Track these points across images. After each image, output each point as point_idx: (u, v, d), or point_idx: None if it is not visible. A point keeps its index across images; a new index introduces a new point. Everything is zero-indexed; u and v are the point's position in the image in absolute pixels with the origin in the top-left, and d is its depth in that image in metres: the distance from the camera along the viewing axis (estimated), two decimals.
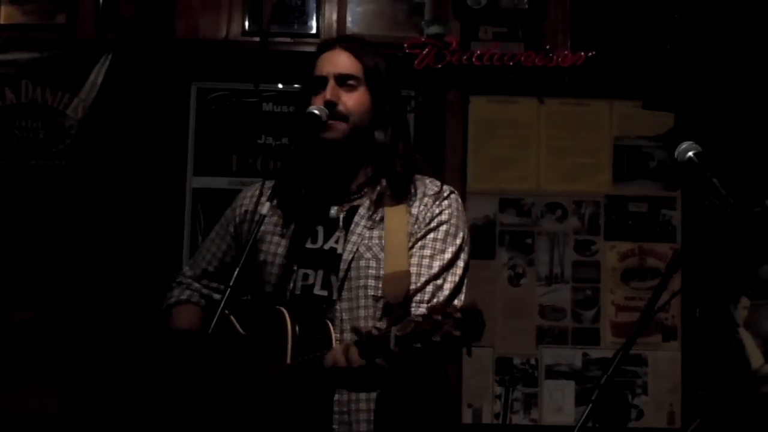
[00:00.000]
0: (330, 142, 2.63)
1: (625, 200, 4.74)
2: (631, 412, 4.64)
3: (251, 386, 2.47)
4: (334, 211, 2.69)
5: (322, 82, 2.68)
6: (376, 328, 2.30)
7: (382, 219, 2.63)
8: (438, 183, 2.73)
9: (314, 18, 4.75)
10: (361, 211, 2.67)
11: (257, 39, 4.72)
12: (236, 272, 2.37)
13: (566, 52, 4.67)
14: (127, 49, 4.63)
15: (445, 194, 2.69)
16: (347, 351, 2.33)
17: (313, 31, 4.75)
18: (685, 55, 4.66)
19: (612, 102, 4.77)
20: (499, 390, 4.64)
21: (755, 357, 4.65)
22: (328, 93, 2.65)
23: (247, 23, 4.74)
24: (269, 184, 2.66)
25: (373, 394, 2.56)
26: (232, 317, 2.68)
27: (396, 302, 2.50)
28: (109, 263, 4.51)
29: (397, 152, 2.70)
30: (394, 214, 2.62)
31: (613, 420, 4.62)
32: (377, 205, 2.66)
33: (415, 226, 2.63)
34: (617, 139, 4.77)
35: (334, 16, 4.77)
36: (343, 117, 2.64)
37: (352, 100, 2.66)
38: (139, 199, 4.58)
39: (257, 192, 2.75)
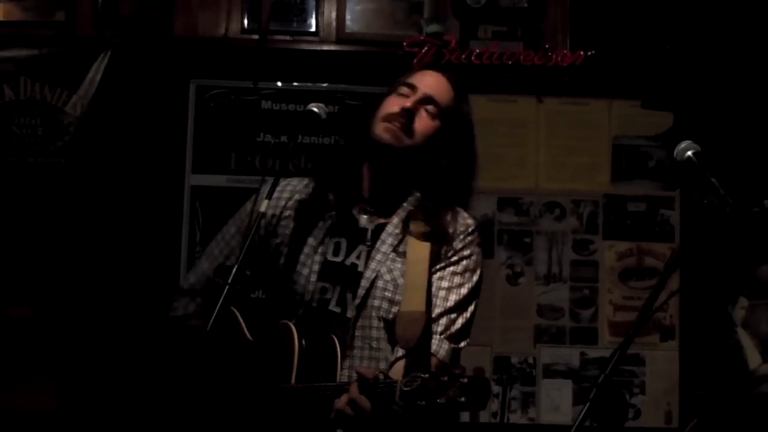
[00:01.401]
0: (380, 144, 2.59)
1: (623, 200, 4.74)
2: (629, 412, 4.64)
3: (253, 396, 2.47)
4: (363, 221, 2.64)
5: (412, 89, 2.65)
6: (382, 374, 2.29)
7: (407, 244, 2.58)
8: (464, 216, 2.71)
9: (313, 16, 4.75)
10: (389, 228, 2.62)
11: (256, 37, 4.72)
12: (234, 271, 2.36)
13: (565, 52, 4.67)
14: (126, 46, 4.63)
15: (470, 230, 2.67)
16: (354, 398, 2.31)
17: (313, 29, 4.75)
18: (684, 54, 4.66)
19: (611, 101, 4.77)
20: (496, 389, 4.64)
21: (753, 357, 4.65)
22: (411, 102, 2.61)
23: (246, 21, 4.73)
24: (293, 182, 2.68)
25: None
26: (237, 315, 2.66)
27: (407, 347, 2.44)
28: (107, 260, 4.51)
29: (447, 185, 2.68)
30: (417, 246, 2.57)
31: (611, 419, 4.63)
32: (405, 225, 2.61)
33: (434, 257, 2.58)
34: (616, 139, 4.77)
35: (334, 15, 4.77)
36: (410, 132, 2.60)
37: (424, 125, 2.63)
38: (137, 196, 4.58)
39: (284, 191, 2.72)
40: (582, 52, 4.64)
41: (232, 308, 2.64)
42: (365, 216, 2.65)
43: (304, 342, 2.46)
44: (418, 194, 2.66)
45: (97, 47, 4.62)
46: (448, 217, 2.66)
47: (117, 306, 4.43)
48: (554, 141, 4.77)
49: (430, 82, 2.68)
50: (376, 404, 2.27)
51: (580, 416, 2.16)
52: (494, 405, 4.64)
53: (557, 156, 4.76)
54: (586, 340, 4.69)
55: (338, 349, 2.49)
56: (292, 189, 2.75)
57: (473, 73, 4.67)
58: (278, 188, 2.70)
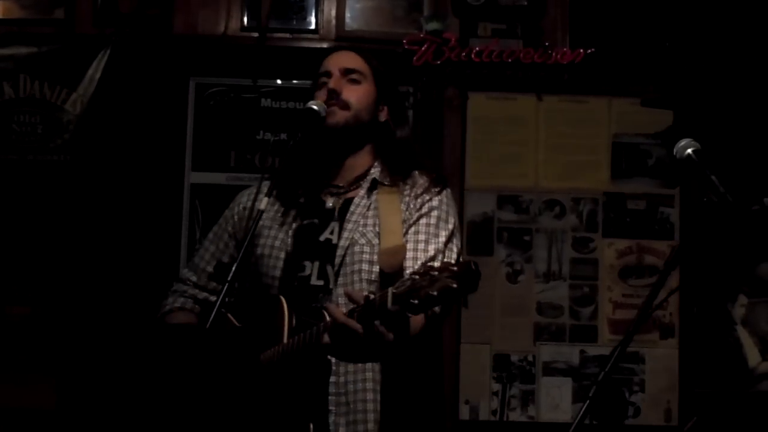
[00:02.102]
0: (330, 129, 2.68)
1: (623, 197, 4.74)
2: (629, 410, 4.64)
3: (248, 372, 2.49)
4: (330, 203, 2.73)
5: (327, 75, 2.76)
6: (372, 293, 2.34)
7: (376, 207, 2.68)
8: (430, 175, 2.78)
9: (313, 14, 4.74)
10: (356, 200, 2.71)
11: (256, 34, 4.72)
12: (233, 269, 2.38)
13: (565, 50, 4.66)
14: (126, 44, 4.63)
15: (435, 182, 2.75)
16: (344, 316, 2.34)
17: (312, 26, 4.75)
18: (684, 52, 4.66)
19: (611, 99, 4.77)
20: (496, 387, 4.64)
21: (752, 355, 4.65)
22: (332, 83, 2.73)
23: (245, 19, 4.73)
24: (267, 181, 2.69)
25: (370, 375, 2.58)
26: (230, 315, 2.71)
27: (392, 271, 2.53)
28: (107, 258, 4.51)
29: (399, 145, 2.77)
30: (387, 200, 2.67)
31: (611, 417, 4.63)
32: (371, 191, 2.71)
33: (407, 213, 2.68)
34: (616, 137, 4.77)
35: (333, 12, 4.76)
36: (345, 105, 2.70)
37: (355, 93, 2.73)
38: (137, 194, 4.57)
39: (255, 190, 2.79)
40: (582, 50, 4.64)
41: (222, 310, 2.69)
42: (332, 198, 2.74)
43: (294, 316, 2.49)
44: (378, 165, 2.75)
45: (96, 45, 4.62)
46: (413, 176, 2.76)
47: (117, 304, 4.43)
48: (554, 139, 4.76)
49: (338, 59, 2.81)
50: (370, 320, 2.28)
51: (580, 414, 2.16)
52: (494, 403, 4.64)
53: (557, 154, 4.76)
54: (585, 338, 4.69)
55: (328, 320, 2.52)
56: (250, 192, 2.86)
57: (473, 70, 4.67)
58: (252, 188, 2.85)
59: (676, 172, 4.68)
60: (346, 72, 2.75)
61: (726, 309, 4.67)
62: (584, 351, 4.67)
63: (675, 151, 2.43)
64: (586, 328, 4.69)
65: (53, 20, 4.68)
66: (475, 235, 4.63)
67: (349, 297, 2.35)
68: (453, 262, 2.21)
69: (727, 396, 4.60)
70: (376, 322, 2.28)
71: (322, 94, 2.72)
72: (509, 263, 4.71)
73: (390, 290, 2.22)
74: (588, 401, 2.18)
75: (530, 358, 4.67)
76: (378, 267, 2.60)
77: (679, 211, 4.73)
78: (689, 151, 2.40)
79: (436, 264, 2.58)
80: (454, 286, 2.12)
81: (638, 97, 4.74)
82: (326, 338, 2.37)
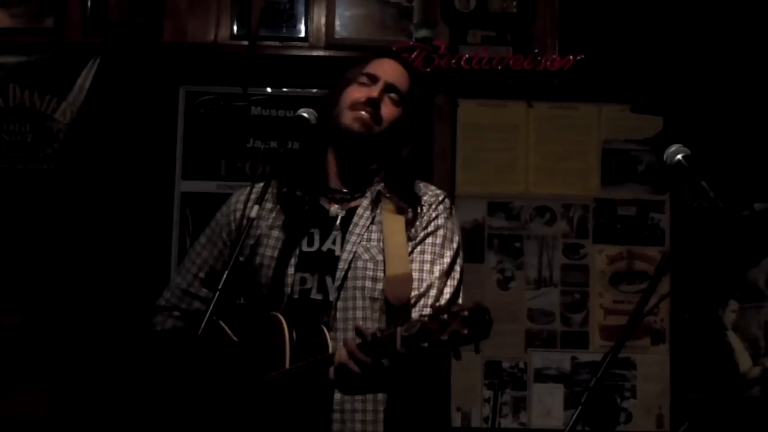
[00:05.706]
0: (354, 135, 2.66)
1: (613, 204, 4.75)
2: (620, 416, 4.64)
3: (249, 388, 2.47)
4: (333, 209, 2.70)
5: (373, 79, 2.72)
6: (380, 330, 2.31)
7: (380, 222, 2.64)
8: (432, 188, 2.77)
9: (303, 22, 4.74)
10: (360, 211, 2.68)
11: (246, 43, 4.72)
12: (225, 276, 2.36)
13: (555, 56, 4.67)
14: (116, 52, 4.63)
15: (440, 199, 2.73)
16: (351, 353, 2.33)
17: (302, 35, 4.75)
18: (673, 58, 4.67)
19: (601, 105, 4.78)
20: (488, 393, 4.64)
21: (743, 360, 4.65)
22: (376, 92, 2.68)
23: (235, 27, 4.73)
24: (258, 187, 2.67)
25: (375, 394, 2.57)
26: (222, 324, 2.68)
27: (399, 304, 2.52)
28: (97, 267, 4.50)
29: (410, 166, 2.75)
30: (392, 218, 2.64)
31: (602, 423, 4.63)
32: (375, 205, 2.68)
33: (412, 230, 2.65)
34: (606, 143, 4.78)
35: (323, 20, 4.77)
36: (378, 120, 2.67)
37: (390, 112, 2.69)
38: (127, 203, 4.57)
39: (250, 196, 2.75)
40: (571, 57, 4.64)
41: (219, 321, 2.66)
42: (335, 205, 2.71)
43: (294, 333, 2.48)
44: (384, 175, 2.72)
45: (86, 54, 4.62)
46: (416, 190, 2.73)
47: (107, 313, 4.42)
48: (544, 145, 4.77)
49: (389, 71, 2.75)
50: (377, 357, 2.28)
51: (572, 420, 2.16)
52: (486, 410, 4.63)
53: (547, 160, 4.76)
54: (577, 344, 4.69)
55: (328, 338, 2.52)
56: (246, 199, 2.79)
57: (463, 77, 4.68)
58: (245, 192, 2.79)
59: (666, 177, 4.69)
60: (391, 88, 2.71)
61: (717, 314, 4.67)
62: (575, 357, 4.68)
63: (665, 156, 2.44)
64: (577, 334, 4.69)
65: (43, 29, 4.67)
66: (466, 242, 4.60)
67: (359, 333, 2.35)
68: (464, 306, 2.19)
69: (718, 401, 4.60)
70: (383, 360, 2.29)
71: (359, 95, 2.69)
72: (500, 270, 4.71)
73: (399, 330, 2.22)
74: (580, 407, 2.18)
75: (522, 365, 4.67)
76: (381, 284, 2.58)
77: (670, 216, 4.74)
78: (679, 156, 2.40)
79: (443, 301, 2.59)
80: (465, 332, 2.13)
81: (628, 104, 4.75)
82: (331, 374, 2.38)
